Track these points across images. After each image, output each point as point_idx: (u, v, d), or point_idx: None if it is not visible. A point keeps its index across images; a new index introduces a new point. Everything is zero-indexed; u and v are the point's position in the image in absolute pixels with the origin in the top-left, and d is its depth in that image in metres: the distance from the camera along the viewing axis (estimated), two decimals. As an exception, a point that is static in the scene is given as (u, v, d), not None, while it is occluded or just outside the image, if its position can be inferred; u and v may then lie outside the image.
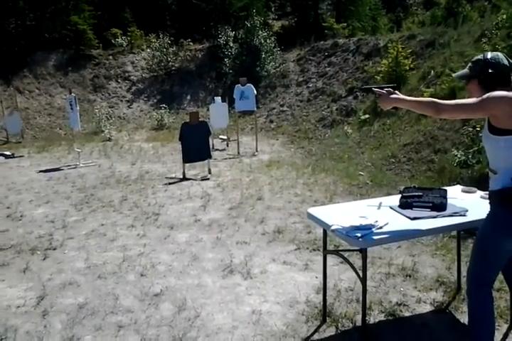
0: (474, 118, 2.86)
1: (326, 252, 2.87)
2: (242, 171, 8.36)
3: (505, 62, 2.26)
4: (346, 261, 2.59)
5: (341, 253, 2.78)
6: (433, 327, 2.87)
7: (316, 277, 3.57)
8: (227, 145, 11.53)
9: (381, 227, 2.42)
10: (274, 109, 14.57)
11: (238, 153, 10.31)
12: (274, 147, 11.16)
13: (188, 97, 17.00)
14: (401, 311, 3.06)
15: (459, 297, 3.19)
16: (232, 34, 17.30)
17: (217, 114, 10.64)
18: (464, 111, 2.27)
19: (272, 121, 13.82)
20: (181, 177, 7.82)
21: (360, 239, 2.30)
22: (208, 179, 7.72)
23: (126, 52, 18.25)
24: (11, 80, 16.08)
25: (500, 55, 2.30)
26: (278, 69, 16.46)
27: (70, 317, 3.10)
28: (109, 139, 13.56)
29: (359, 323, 2.88)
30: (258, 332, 2.85)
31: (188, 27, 19.62)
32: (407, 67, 10.80)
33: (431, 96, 8.17)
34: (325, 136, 11.23)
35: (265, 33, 16.77)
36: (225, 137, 12.10)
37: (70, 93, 9.63)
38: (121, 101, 16.76)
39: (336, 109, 12.18)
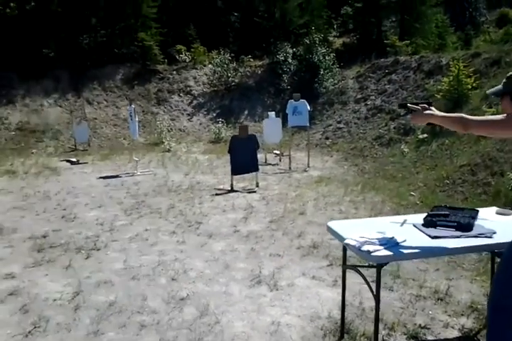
0: (504, 136, 2.74)
1: (344, 267, 2.84)
2: (289, 186, 8.39)
3: None
4: (362, 277, 2.55)
5: (360, 269, 2.74)
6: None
7: (343, 293, 3.53)
8: (280, 161, 11.61)
9: (397, 244, 2.37)
10: (330, 125, 14.52)
11: (289, 168, 10.36)
12: (327, 164, 11.10)
13: (246, 112, 17.35)
14: (424, 334, 2.95)
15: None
16: (291, 51, 17.53)
17: (270, 128, 10.78)
18: (491, 128, 2.21)
19: (327, 138, 13.76)
20: (229, 188, 7.98)
21: (371, 254, 2.27)
22: (255, 192, 7.82)
23: (189, 67, 18.97)
24: (81, 92, 17.21)
25: None
26: (336, 85, 16.44)
27: (99, 313, 3.26)
28: (169, 150, 14.10)
29: (378, 343, 2.81)
30: (274, 342, 2.86)
31: (249, 44, 20.10)
32: (469, 86, 10.43)
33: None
34: (380, 155, 11.03)
35: (324, 50, 16.86)
36: (278, 152, 12.20)
37: (131, 104, 10.16)
38: (183, 114, 17.40)
39: (394, 128, 11.95)
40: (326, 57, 16.69)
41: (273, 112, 11.22)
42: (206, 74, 18.57)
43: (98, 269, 4.18)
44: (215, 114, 17.38)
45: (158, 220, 6.00)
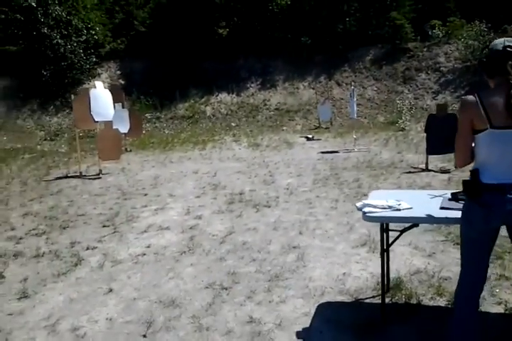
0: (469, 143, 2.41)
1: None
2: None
3: (499, 47, 2.13)
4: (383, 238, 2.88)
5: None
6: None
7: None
8: None
9: (398, 210, 2.67)
10: None
11: None
12: None
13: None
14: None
15: None
16: None
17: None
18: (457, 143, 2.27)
19: None
20: (424, 167, 8.00)
21: (365, 214, 2.67)
22: (449, 172, 7.63)
23: (442, 43, 18.13)
24: (333, 75, 18.72)
25: (502, 40, 2.17)
26: None
27: (235, 247, 4.43)
28: (403, 129, 14.26)
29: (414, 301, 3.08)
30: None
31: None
32: None
33: None
34: None
35: None
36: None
37: (351, 86, 10.91)
38: (428, 92, 16.98)
39: None
40: None
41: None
42: (458, 49, 17.42)
43: (257, 220, 5.35)
44: (463, 92, 16.30)
45: (333, 190, 6.77)
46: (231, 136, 14.82)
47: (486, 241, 2.29)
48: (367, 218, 2.74)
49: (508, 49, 2.16)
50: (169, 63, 18.77)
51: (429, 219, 2.71)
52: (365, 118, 16.76)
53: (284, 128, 16.38)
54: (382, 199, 2.89)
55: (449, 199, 2.82)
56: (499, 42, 2.20)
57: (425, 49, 18.26)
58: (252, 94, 18.93)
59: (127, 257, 4.32)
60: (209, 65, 19.30)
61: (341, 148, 11.30)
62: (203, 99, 18.74)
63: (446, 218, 2.54)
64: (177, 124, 17.55)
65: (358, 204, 2.85)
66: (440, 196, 2.97)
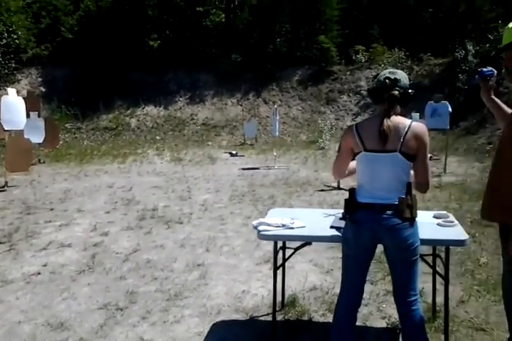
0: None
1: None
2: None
3: (382, 77, 2.32)
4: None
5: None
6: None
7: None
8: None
9: (292, 228, 2.76)
10: (499, 129, 13.09)
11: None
12: (471, 170, 10.24)
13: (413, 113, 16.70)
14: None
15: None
16: (471, 48, 16.17)
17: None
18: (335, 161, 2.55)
19: (490, 143, 12.52)
20: (336, 186, 8.31)
21: (260, 232, 2.74)
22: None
23: (364, 67, 19.16)
24: (261, 92, 19.11)
25: (386, 71, 2.36)
26: (520, 85, 14.57)
27: (136, 266, 4.31)
28: (322, 148, 14.77)
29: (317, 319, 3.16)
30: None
31: (432, 41, 19.13)
32: None
33: None
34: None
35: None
36: (430, 155, 11.70)
37: (274, 104, 11.20)
38: (348, 114, 17.80)
39: None
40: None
41: (417, 114, 10.85)
42: (378, 74, 18.48)
43: (166, 237, 5.26)
44: (381, 115, 17.24)
45: (248, 206, 6.84)
46: (154, 150, 14.59)
47: (361, 259, 2.42)
48: (261, 236, 2.79)
49: (387, 81, 2.33)
50: (94, 72, 18.23)
51: (319, 238, 2.81)
52: (289, 136, 17.22)
53: (210, 143, 16.41)
54: (278, 218, 2.96)
55: (340, 219, 2.94)
56: (383, 73, 2.37)
57: (348, 72, 19.20)
58: (180, 108, 18.84)
59: (19, 276, 4.06)
60: (137, 76, 18.99)
61: (262, 164, 11.49)
62: (129, 111, 18.35)
63: (333, 237, 2.64)
64: (98, 136, 17.01)
65: (254, 222, 2.89)
66: (334, 215, 3.09)
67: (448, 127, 10.05)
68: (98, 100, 17.67)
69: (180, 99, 19.20)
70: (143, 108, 18.49)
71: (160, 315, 3.34)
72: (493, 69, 2.48)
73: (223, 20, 22.42)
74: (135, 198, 7.39)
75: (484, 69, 2.49)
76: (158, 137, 17.05)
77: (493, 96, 2.49)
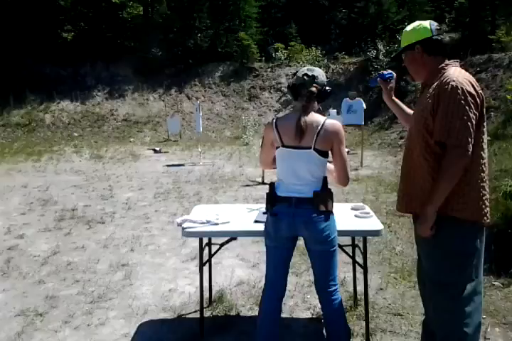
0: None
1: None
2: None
3: (300, 74, 2.43)
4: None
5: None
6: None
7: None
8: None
9: (216, 224, 2.79)
10: (409, 125, 14.02)
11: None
12: (385, 164, 10.88)
13: (330, 110, 17.41)
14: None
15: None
16: (382, 48, 17.12)
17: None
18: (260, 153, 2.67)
19: (402, 138, 13.37)
20: (261, 181, 8.47)
21: (184, 230, 2.75)
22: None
23: (284, 65, 19.56)
24: (183, 88, 18.87)
25: (305, 68, 2.47)
26: (426, 84, 15.69)
27: (57, 269, 4.11)
28: (247, 144, 14.91)
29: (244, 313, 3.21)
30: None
31: (348, 41, 20.03)
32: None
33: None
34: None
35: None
36: (347, 150, 12.24)
37: (197, 100, 11.14)
38: (270, 110, 18.11)
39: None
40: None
41: (335, 110, 11.33)
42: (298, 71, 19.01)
43: (87, 238, 5.07)
44: (301, 111, 17.75)
45: (173, 204, 6.77)
46: (72, 147, 13.90)
47: (282, 251, 2.52)
48: (186, 233, 2.80)
49: (305, 77, 2.41)
50: (2, 64, 16.94)
51: (244, 233, 2.88)
52: (213, 132, 17.18)
53: (132, 139, 15.94)
54: (203, 214, 2.98)
55: (263, 213, 3.02)
56: (302, 70, 2.45)
57: (269, 69, 19.49)
58: (99, 103, 18.08)
59: None
60: (50, 70, 17.94)
61: (187, 161, 11.39)
62: (42, 106, 17.29)
63: (257, 231, 2.70)
64: (10, 133, 15.88)
65: (178, 219, 2.88)
66: (257, 209, 3.16)
67: (363, 123, 10.60)
68: (8, 94, 16.47)
69: (99, 93, 18.42)
70: (58, 103, 17.51)
71: (83, 319, 3.24)
72: (393, 72, 2.61)
73: (141, 13, 21.80)
74: (52, 198, 7.03)
75: (385, 72, 2.60)
76: (75, 133, 16.26)
77: (394, 98, 2.62)
